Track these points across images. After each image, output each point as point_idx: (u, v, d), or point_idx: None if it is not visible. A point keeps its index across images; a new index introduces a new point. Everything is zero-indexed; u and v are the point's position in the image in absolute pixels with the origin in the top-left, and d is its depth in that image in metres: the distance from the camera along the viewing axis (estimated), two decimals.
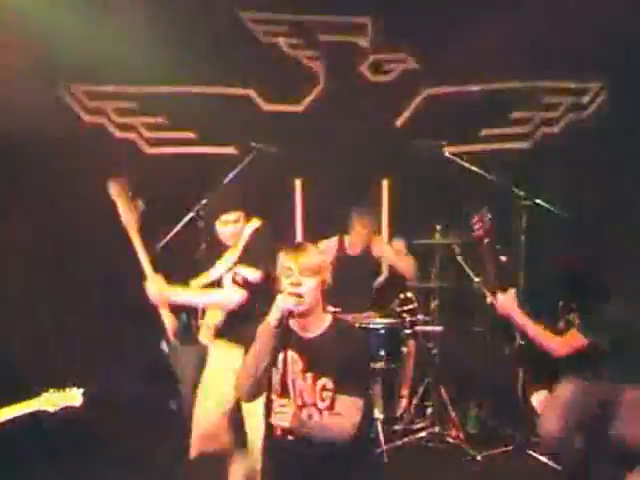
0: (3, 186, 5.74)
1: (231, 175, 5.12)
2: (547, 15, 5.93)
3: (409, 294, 5.94)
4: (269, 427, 3.36)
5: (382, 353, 5.52)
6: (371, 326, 5.59)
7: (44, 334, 6.15)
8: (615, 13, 5.71)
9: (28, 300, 6.23)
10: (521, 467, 4.98)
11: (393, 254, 6.06)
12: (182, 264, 4.60)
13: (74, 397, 3.85)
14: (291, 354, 3.34)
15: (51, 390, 3.84)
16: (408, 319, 5.78)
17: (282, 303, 3.18)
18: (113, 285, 6.03)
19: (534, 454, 4.94)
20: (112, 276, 6.02)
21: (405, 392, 5.88)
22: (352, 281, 5.67)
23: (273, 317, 3.21)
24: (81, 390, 3.86)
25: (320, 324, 3.41)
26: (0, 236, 5.91)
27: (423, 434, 5.68)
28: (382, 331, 5.58)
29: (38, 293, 6.24)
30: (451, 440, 5.60)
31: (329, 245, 5.93)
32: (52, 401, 3.84)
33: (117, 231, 4.19)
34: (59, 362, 6.07)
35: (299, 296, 3.19)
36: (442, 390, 5.78)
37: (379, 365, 5.55)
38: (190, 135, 6.24)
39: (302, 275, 3.27)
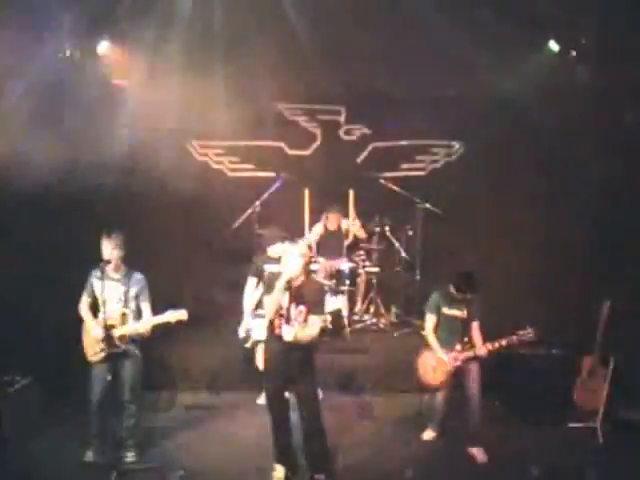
0: (156, 203, 7.98)
1: (272, 189, 8.16)
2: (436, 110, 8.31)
3: (361, 251, 8.33)
4: (272, 331, 5.03)
5: (347, 281, 7.94)
6: (342, 267, 7.91)
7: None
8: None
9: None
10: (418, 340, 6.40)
11: (356, 229, 8.45)
12: None
13: (183, 314, 5.44)
14: (287, 294, 4.93)
15: (170, 310, 5.48)
16: (361, 263, 8.17)
17: (288, 273, 4.94)
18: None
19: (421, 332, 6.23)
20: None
21: (359, 301, 8.48)
22: (332, 244, 8.29)
23: (284, 279, 4.92)
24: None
25: (300, 279, 5.02)
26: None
27: (368, 322, 8.26)
28: (347, 270, 7.95)
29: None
30: (382, 325, 8.26)
31: (319, 225, 8.34)
32: (173, 316, 5.42)
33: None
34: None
35: (295, 269, 4.90)
36: (378, 299, 8.41)
37: (345, 287, 7.93)
38: (250, 166, 8.95)
39: (296, 257, 4.91)
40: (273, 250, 6.40)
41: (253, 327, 6.41)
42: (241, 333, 6.54)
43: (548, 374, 6.61)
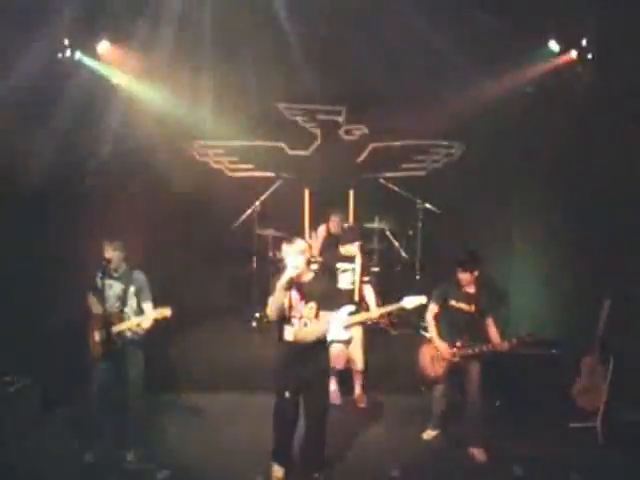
0: (158, 199, 8.00)
1: (272, 189, 8.25)
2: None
3: None
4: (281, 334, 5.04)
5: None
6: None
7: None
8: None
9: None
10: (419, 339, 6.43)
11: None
12: None
13: (166, 311, 5.44)
14: (294, 292, 4.96)
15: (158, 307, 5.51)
16: None
17: (289, 272, 4.91)
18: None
19: (424, 333, 6.39)
20: None
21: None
22: (335, 246, 7.90)
23: (285, 279, 4.89)
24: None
25: (308, 276, 5.07)
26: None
27: (368, 322, 7.41)
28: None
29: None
30: (382, 325, 8.21)
31: (321, 228, 8.20)
32: (159, 313, 5.44)
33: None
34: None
35: (296, 268, 4.89)
36: (378, 299, 7.43)
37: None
38: (250, 166, 9.03)
39: (296, 255, 4.90)
40: (346, 249, 6.46)
41: None
42: None
43: (548, 374, 6.61)
